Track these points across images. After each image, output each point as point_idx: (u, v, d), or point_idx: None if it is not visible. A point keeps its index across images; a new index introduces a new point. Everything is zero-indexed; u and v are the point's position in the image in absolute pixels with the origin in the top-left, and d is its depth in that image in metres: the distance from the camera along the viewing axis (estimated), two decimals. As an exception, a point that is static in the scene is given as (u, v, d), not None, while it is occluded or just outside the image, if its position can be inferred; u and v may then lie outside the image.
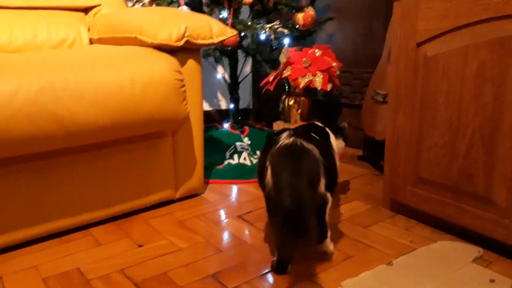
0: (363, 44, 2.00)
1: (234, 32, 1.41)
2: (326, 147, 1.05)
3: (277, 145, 0.95)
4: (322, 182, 0.96)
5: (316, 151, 0.95)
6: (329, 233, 1.04)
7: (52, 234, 1.19)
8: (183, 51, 1.33)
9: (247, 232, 1.21)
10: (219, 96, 2.58)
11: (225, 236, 1.19)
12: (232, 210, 1.37)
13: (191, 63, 1.36)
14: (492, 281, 0.93)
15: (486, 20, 1.00)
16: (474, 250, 1.07)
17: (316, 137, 1.06)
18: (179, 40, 1.27)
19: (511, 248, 1.02)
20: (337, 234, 1.19)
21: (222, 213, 1.35)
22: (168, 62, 1.23)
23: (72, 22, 1.62)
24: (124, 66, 1.14)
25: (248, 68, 2.58)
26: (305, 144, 0.94)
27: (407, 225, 1.24)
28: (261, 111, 2.60)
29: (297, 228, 0.82)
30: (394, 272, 0.98)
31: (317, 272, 1.00)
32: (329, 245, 1.06)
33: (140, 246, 1.14)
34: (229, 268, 1.02)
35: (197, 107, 1.40)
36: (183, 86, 1.25)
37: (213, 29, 1.36)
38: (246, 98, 2.65)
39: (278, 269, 1.01)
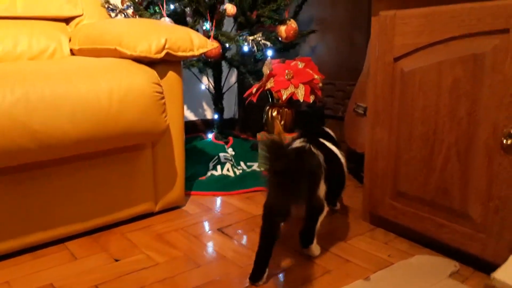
0: (345, 56, 2.02)
1: (215, 44, 1.41)
2: (334, 157, 1.17)
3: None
4: (322, 188, 1.04)
5: (321, 157, 1.05)
6: (315, 240, 1.11)
7: (26, 249, 1.17)
8: (163, 63, 1.33)
9: (226, 246, 1.20)
10: (204, 105, 2.58)
11: (204, 250, 1.18)
12: (212, 223, 1.36)
13: (171, 75, 1.35)
14: (466, 296, 0.93)
15: (460, 37, 1.01)
16: (451, 265, 1.08)
17: (329, 147, 1.19)
18: (159, 52, 1.27)
19: (486, 263, 1.02)
20: (316, 247, 1.19)
21: (202, 226, 1.34)
22: (147, 74, 1.22)
23: (53, 32, 1.60)
24: (101, 78, 1.14)
25: (233, 79, 2.59)
26: (313, 149, 1.06)
27: (386, 238, 1.25)
28: (247, 121, 2.60)
29: (288, 187, 0.92)
30: (371, 287, 0.98)
31: (294, 287, 0.99)
32: (315, 250, 1.13)
33: (116, 260, 1.12)
34: (206, 284, 1.01)
35: (177, 119, 1.39)
36: (162, 98, 1.24)
37: (194, 41, 1.36)
38: (231, 108, 2.65)
39: (254, 273, 1.00)
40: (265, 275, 1.01)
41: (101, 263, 1.11)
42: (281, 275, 1.05)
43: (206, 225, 1.34)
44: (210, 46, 1.41)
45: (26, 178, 1.11)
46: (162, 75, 1.32)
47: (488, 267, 1.02)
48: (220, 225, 1.34)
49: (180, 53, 1.32)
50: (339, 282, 1.01)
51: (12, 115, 0.97)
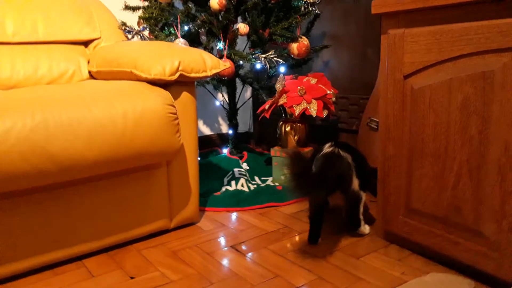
0: (358, 71, 2.02)
1: (227, 64, 1.45)
2: (359, 155, 1.39)
3: (320, 153, 1.33)
4: (355, 182, 1.31)
5: (349, 158, 1.30)
6: (362, 221, 1.35)
7: (45, 266, 1.21)
8: (177, 84, 1.37)
9: (239, 263, 1.22)
10: (220, 120, 2.62)
11: (217, 268, 1.20)
12: (226, 240, 1.37)
13: (185, 95, 1.39)
14: (480, 317, 0.92)
15: (469, 55, 1.02)
16: (466, 283, 1.06)
17: (355, 148, 1.41)
18: (172, 74, 1.31)
19: (502, 281, 1.01)
20: (329, 266, 1.19)
21: (216, 243, 1.35)
22: (161, 96, 1.26)
23: (72, 55, 1.67)
24: (116, 101, 1.18)
25: (248, 93, 2.62)
26: (341, 152, 1.31)
27: (400, 255, 1.24)
28: (262, 134, 2.62)
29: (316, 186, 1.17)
30: (382, 307, 0.98)
31: (305, 307, 1.00)
32: (364, 229, 1.37)
33: (131, 278, 1.15)
34: (218, 302, 1.03)
35: (191, 138, 1.43)
36: (176, 119, 1.28)
37: (207, 62, 1.39)
38: (246, 122, 2.68)
39: (310, 238, 1.33)
40: (320, 239, 1.33)
41: (116, 281, 1.13)
42: (293, 294, 1.05)
43: (220, 242, 1.36)
44: (223, 66, 1.44)
45: (45, 198, 1.15)
46: (176, 96, 1.36)
47: (504, 285, 1.01)
48: (233, 242, 1.35)
49: (193, 75, 1.36)
50: (351, 301, 1.01)
51: (32, 141, 1.02)
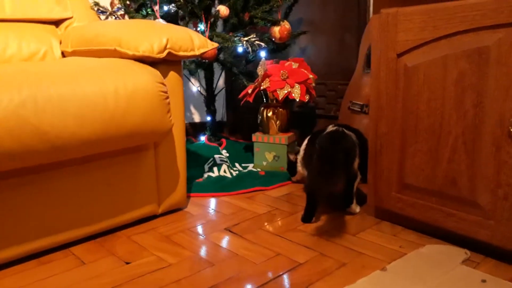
0: (335, 57, 2.05)
1: (215, 44, 1.41)
2: (362, 137, 1.43)
3: (324, 132, 1.36)
4: (356, 161, 1.34)
5: (353, 136, 1.35)
6: (354, 200, 1.38)
7: (28, 256, 1.12)
8: (164, 63, 1.31)
9: (237, 244, 1.19)
10: (193, 109, 2.56)
11: (215, 249, 1.17)
12: (218, 223, 1.34)
13: (172, 75, 1.34)
14: (483, 281, 0.96)
15: (464, 32, 1.05)
16: (462, 252, 1.11)
17: (354, 128, 1.46)
18: (161, 52, 1.25)
19: (496, 249, 1.06)
20: (328, 243, 1.19)
21: (209, 226, 1.32)
22: (151, 73, 1.20)
23: (43, 35, 1.56)
24: (107, 78, 1.11)
25: (221, 82, 2.58)
26: (346, 131, 1.35)
27: (393, 231, 1.27)
28: (236, 124, 2.59)
29: (327, 176, 1.20)
30: (389, 277, 0.99)
31: (314, 281, 0.99)
32: (355, 208, 1.39)
33: (127, 263, 1.09)
34: (224, 281, 1.00)
35: (179, 120, 1.38)
36: (167, 98, 1.23)
37: (195, 41, 1.35)
38: (220, 111, 2.64)
39: (304, 217, 1.33)
40: (314, 218, 1.34)
41: (111, 267, 1.07)
42: (297, 271, 1.05)
43: (212, 225, 1.32)
44: (211, 46, 1.40)
45: (27, 182, 1.06)
46: (163, 75, 1.31)
47: (496, 252, 1.06)
48: (227, 225, 1.33)
49: (181, 53, 1.31)
50: (357, 274, 1.02)
51: (20, 117, 0.94)
